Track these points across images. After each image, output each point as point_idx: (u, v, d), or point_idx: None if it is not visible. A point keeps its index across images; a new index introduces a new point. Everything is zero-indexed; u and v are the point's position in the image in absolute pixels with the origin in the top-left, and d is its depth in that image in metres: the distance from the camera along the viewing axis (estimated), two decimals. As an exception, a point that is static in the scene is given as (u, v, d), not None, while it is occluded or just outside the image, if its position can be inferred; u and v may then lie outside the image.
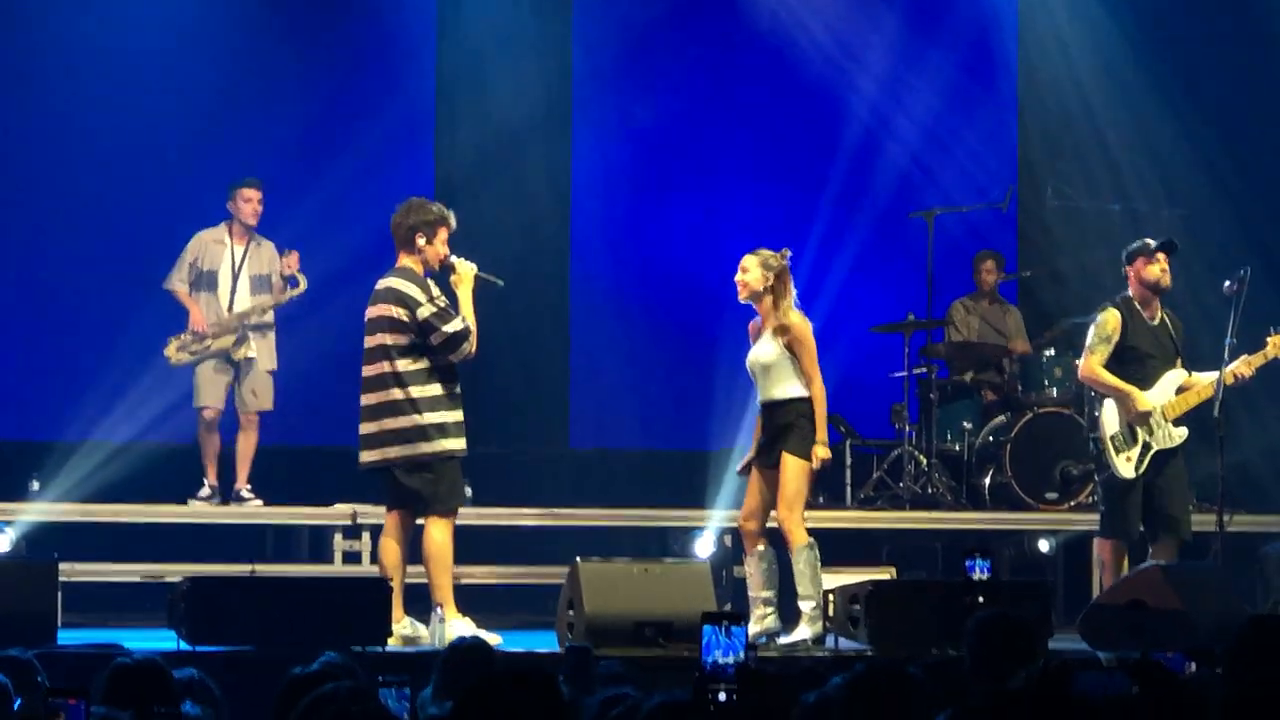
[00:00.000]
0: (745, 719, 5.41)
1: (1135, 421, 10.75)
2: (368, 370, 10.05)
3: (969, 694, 4.75)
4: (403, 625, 9.84)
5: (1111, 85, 14.55)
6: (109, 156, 13.54)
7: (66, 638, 9.53)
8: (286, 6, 14.24)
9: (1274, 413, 13.34)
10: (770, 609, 10.20)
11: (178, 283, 12.69)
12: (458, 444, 9.98)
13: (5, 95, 13.60)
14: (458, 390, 10.02)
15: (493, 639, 9.32)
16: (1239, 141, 14.32)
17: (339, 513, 12.41)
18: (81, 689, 5.10)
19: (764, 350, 10.29)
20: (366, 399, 10.05)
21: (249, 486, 12.63)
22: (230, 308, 12.69)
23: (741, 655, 5.65)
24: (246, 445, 12.68)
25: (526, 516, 12.56)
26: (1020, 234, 14.91)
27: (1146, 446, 10.77)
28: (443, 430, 9.93)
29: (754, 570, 10.29)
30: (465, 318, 9.95)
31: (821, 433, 10.18)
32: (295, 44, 14.05)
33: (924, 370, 13.57)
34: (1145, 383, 10.83)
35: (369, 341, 10.04)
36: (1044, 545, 13.00)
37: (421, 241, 10.02)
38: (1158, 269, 10.80)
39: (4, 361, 13.51)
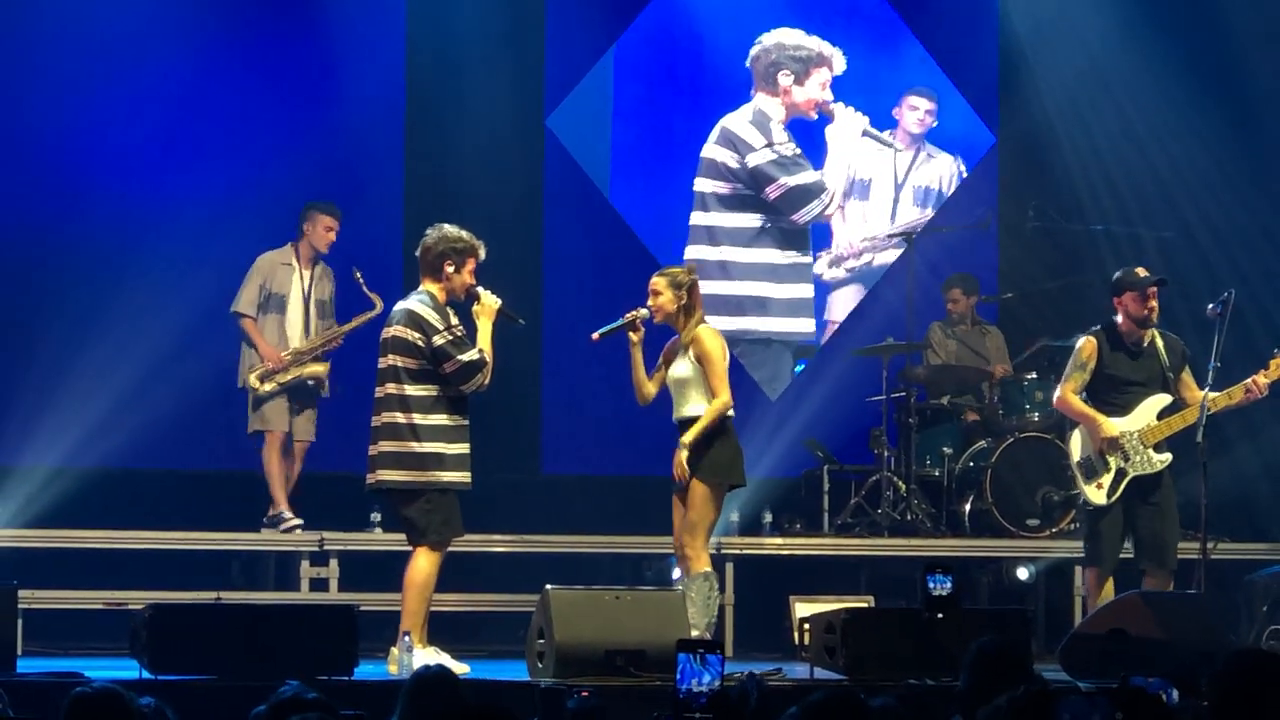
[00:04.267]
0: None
1: (1105, 448, 10.67)
2: (378, 391, 10.02)
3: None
4: (427, 653, 9.66)
5: (1096, 104, 14.43)
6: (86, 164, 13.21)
7: (26, 666, 9.46)
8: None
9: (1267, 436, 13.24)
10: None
11: (247, 306, 12.37)
12: (456, 476, 9.93)
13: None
14: (465, 422, 9.98)
15: (460, 668, 9.20)
16: (1225, 162, 14.19)
17: (306, 539, 12.30)
18: (41, 719, 4.94)
19: (680, 367, 10.33)
20: (375, 420, 10.02)
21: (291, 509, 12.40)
22: (305, 334, 12.43)
23: (716, 684, 5.62)
24: (293, 471, 12.48)
25: (497, 543, 12.46)
26: (1001, 255, 14.77)
27: (1121, 473, 10.68)
28: (440, 461, 9.88)
29: (691, 594, 10.10)
30: (483, 349, 9.90)
31: (689, 436, 10.07)
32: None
33: (903, 394, 13.39)
34: (1124, 410, 10.77)
35: (381, 362, 10.01)
36: (1023, 573, 12.90)
37: (450, 270, 9.99)
38: (1146, 308, 10.70)
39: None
